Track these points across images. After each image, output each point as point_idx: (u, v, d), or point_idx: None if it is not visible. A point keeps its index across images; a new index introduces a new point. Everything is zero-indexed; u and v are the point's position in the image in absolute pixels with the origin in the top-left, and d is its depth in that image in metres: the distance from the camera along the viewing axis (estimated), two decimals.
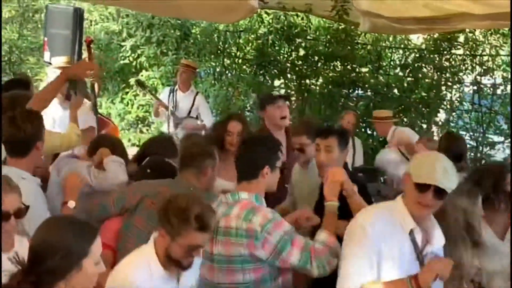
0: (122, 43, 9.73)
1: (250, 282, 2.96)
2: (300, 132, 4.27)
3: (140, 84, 7.96)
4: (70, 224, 2.24)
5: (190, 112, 7.19)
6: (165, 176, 3.72)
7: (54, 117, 5.53)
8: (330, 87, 9.35)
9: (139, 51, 9.63)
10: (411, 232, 2.71)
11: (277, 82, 9.94)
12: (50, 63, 7.02)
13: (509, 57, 9.33)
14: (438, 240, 2.81)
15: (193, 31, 10.03)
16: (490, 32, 8.84)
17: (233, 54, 10.12)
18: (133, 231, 3.47)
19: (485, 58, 9.16)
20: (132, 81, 9.62)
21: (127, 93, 9.80)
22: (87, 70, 4.24)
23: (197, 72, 8.03)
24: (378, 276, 2.66)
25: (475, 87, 9.18)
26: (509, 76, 9.26)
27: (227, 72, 10.05)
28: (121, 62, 9.72)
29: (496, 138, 9.02)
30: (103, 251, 2.29)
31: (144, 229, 3.38)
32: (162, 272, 2.77)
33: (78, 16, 7.47)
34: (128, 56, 9.68)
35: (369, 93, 9.55)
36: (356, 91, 9.69)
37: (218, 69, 10.07)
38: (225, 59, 10.03)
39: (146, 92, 8.03)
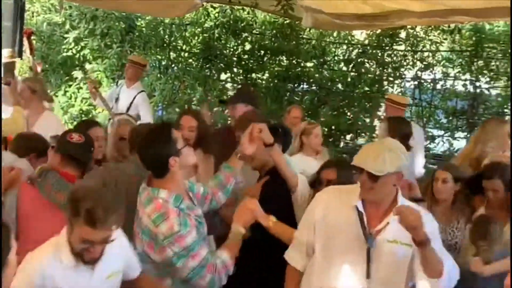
0: (65, 35, 9.55)
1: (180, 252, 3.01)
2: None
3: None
4: None
5: (129, 109, 6.95)
6: None
7: None
8: (276, 81, 9.45)
9: (82, 44, 9.47)
10: (357, 209, 2.95)
11: (223, 76, 9.98)
12: None
13: (449, 54, 9.64)
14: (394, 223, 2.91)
15: (138, 23, 9.94)
16: (430, 28, 9.07)
17: (179, 47, 10.11)
18: None
19: (426, 54, 9.39)
20: (75, 73, 9.48)
21: (70, 86, 9.64)
22: None
23: (145, 69, 7.73)
24: (318, 237, 3.04)
25: (415, 82, 9.42)
26: (449, 71, 9.53)
27: (173, 65, 10.02)
28: (64, 54, 9.55)
29: (436, 132, 9.28)
30: None
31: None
32: (72, 261, 2.73)
33: (19, 7, 7.34)
34: (71, 49, 9.51)
35: (314, 88, 9.69)
36: (302, 86, 9.80)
37: (164, 62, 10.03)
38: (171, 52, 10.02)
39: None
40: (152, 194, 3.03)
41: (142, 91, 7.17)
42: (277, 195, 3.69)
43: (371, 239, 2.90)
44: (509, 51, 8.74)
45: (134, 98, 6.91)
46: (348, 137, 9.51)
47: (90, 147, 3.72)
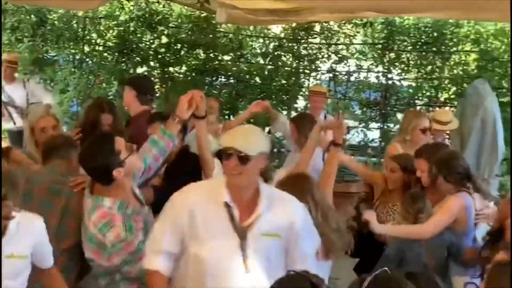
0: None
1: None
2: None
3: None
4: None
5: (28, 100, 7.10)
6: None
7: None
8: (193, 74, 9.42)
9: None
10: (226, 205, 2.81)
11: (139, 70, 9.84)
12: None
13: (362, 46, 9.90)
14: (267, 213, 2.83)
15: (50, 17, 9.68)
16: (343, 22, 9.26)
17: (93, 41, 9.93)
18: None
19: (340, 46, 9.59)
20: None
21: None
22: None
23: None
24: (189, 238, 2.82)
25: (331, 75, 9.60)
26: (362, 64, 9.79)
27: (87, 59, 9.84)
28: None
29: (351, 123, 9.48)
30: None
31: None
32: None
33: None
34: None
35: (231, 81, 9.72)
36: (219, 79, 9.81)
37: (78, 57, 9.83)
38: (85, 46, 9.83)
39: None
40: (96, 202, 3.04)
41: (23, 78, 7.56)
42: (186, 174, 3.70)
43: (243, 234, 2.80)
44: (418, 43, 9.13)
45: (25, 88, 7.08)
46: (266, 129, 9.59)
47: None
